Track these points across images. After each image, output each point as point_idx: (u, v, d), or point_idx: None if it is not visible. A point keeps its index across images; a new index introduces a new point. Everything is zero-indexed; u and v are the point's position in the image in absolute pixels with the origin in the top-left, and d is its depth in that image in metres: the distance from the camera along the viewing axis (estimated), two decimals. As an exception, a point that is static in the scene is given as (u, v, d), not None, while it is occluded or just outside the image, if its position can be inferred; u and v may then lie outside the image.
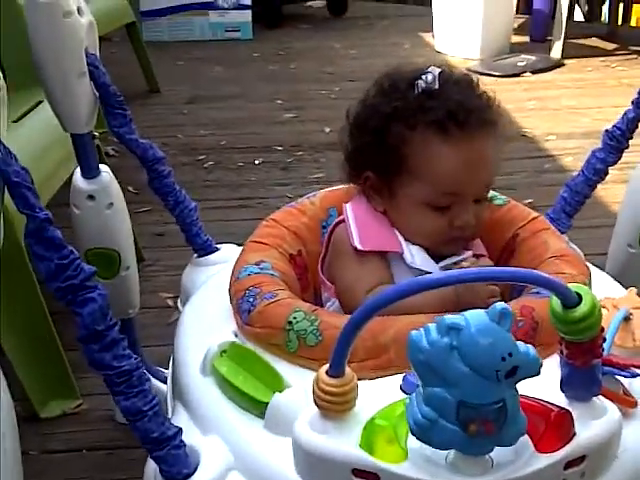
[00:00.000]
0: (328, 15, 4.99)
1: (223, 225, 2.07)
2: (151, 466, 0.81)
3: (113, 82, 1.20)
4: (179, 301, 1.27)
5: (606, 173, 1.28)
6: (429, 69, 1.02)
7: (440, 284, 0.69)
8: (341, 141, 1.09)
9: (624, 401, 0.79)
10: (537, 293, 0.94)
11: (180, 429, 0.80)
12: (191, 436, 0.82)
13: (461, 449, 0.68)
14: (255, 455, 0.79)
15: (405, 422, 0.68)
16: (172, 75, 3.68)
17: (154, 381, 1.32)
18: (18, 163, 0.77)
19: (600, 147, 1.27)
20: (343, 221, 1.06)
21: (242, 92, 3.48)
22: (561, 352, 0.74)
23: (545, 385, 0.74)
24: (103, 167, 1.31)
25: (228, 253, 1.24)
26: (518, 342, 0.66)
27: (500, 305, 0.65)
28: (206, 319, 1.03)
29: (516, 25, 4.23)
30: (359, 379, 0.73)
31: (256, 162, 2.74)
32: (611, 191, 2.12)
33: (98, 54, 1.21)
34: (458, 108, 0.99)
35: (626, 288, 0.98)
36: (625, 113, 1.25)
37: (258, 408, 0.82)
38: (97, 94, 1.20)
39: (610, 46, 4.10)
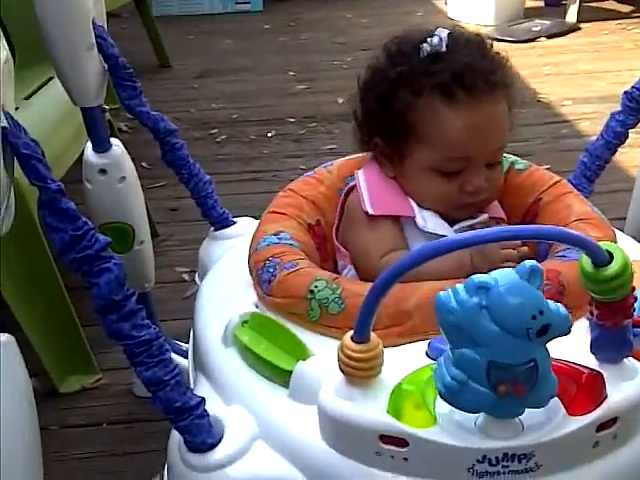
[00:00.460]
0: (338, -16, 4.93)
1: (237, 199, 2.05)
2: (175, 438, 0.80)
3: (124, 58, 1.19)
4: (197, 275, 1.25)
5: (626, 136, 1.25)
6: (436, 31, 0.99)
7: (464, 245, 0.66)
8: (353, 108, 1.07)
9: (655, 362, 0.77)
10: (562, 257, 0.92)
11: (203, 398, 0.79)
12: (214, 407, 0.81)
13: (491, 412, 0.66)
14: (280, 424, 0.78)
15: (433, 387, 0.67)
16: (182, 49, 3.65)
17: (172, 355, 1.31)
18: (27, 135, 0.76)
19: (619, 109, 1.25)
20: (355, 187, 1.05)
21: (253, 65, 3.45)
22: (591, 313, 0.72)
23: (574, 348, 0.73)
24: (114, 141, 1.29)
25: (245, 226, 1.23)
26: (548, 300, 0.64)
27: (529, 263, 0.64)
28: (225, 291, 1.02)
29: (530, -11, 4.18)
30: (384, 346, 0.71)
31: (269, 135, 2.72)
32: (629, 155, 2.08)
33: (106, 26, 1.19)
34: (464, 71, 0.96)
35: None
36: (644, 74, 1.23)
37: (282, 377, 0.81)
38: (106, 66, 1.19)
39: (626, 8, 4.02)
